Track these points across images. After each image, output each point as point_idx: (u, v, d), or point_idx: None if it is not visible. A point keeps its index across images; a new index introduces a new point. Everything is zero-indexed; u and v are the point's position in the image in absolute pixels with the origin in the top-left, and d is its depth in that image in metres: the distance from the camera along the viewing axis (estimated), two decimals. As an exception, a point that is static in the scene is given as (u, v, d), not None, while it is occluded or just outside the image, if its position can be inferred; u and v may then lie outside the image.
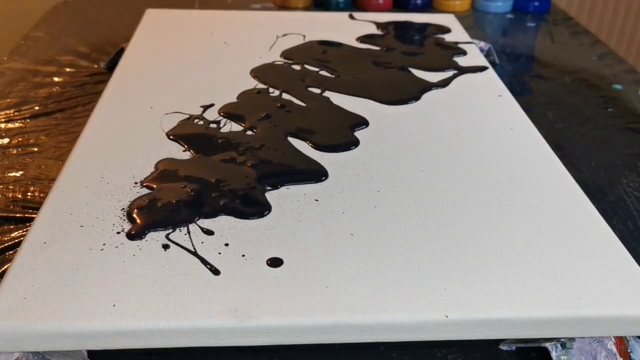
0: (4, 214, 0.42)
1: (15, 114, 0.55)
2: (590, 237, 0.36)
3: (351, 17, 0.73)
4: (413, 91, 0.54)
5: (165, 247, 0.34)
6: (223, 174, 0.40)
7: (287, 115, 0.49)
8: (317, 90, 0.53)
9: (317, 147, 0.44)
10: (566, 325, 0.31)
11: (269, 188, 0.39)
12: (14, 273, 0.31)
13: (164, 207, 0.37)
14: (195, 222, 0.36)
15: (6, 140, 0.51)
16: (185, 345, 0.30)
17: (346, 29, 0.68)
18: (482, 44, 0.68)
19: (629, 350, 0.33)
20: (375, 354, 0.32)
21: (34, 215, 0.41)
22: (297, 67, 0.57)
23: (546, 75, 0.68)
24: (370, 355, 0.32)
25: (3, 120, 0.54)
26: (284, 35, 0.65)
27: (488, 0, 0.88)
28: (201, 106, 0.49)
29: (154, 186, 0.39)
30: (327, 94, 0.53)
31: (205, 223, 0.36)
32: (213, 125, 0.46)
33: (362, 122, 0.48)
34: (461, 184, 0.41)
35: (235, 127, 0.47)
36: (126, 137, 0.44)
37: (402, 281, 0.32)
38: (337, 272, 0.32)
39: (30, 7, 0.86)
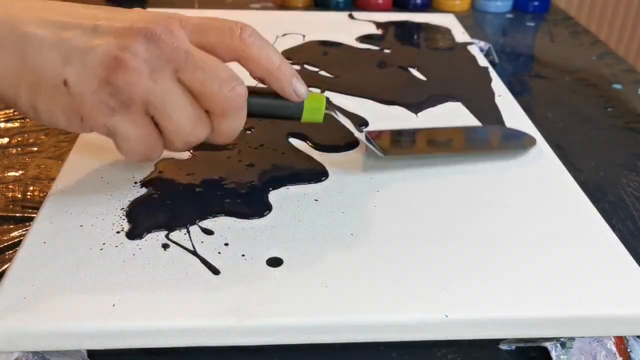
0: (4, 214, 0.42)
1: (15, 113, 0.55)
2: (590, 236, 0.36)
3: (351, 16, 0.73)
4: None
5: (165, 246, 0.34)
6: (223, 173, 0.40)
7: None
8: (316, 91, 0.53)
9: (317, 147, 0.44)
10: (566, 324, 0.31)
11: (270, 188, 0.39)
12: (13, 273, 0.31)
13: (164, 206, 0.37)
14: (195, 222, 0.36)
15: (6, 140, 0.51)
16: (185, 345, 0.30)
17: (346, 28, 0.68)
18: (482, 43, 0.68)
19: (628, 350, 0.33)
20: (375, 354, 0.32)
21: (33, 215, 0.41)
22: (296, 67, 0.58)
23: (546, 75, 0.68)
24: (370, 355, 0.32)
25: (3, 119, 0.54)
26: (284, 35, 0.65)
27: (488, 0, 0.88)
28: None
29: (154, 186, 0.39)
30: (326, 93, 0.53)
31: (205, 223, 0.36)
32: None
33: (362, 123, 0.48)
34: (461, 183, 0.41)
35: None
36: (126, 136, 0.44)
37: (402, 281, 0.32)
38: (337, 272, 0.32)
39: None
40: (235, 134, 0.34)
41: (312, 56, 0.60)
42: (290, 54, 0.60)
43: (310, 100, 0.36)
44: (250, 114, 0.34)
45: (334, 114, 0.38)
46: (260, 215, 0.37)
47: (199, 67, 0.31)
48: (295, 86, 0.34)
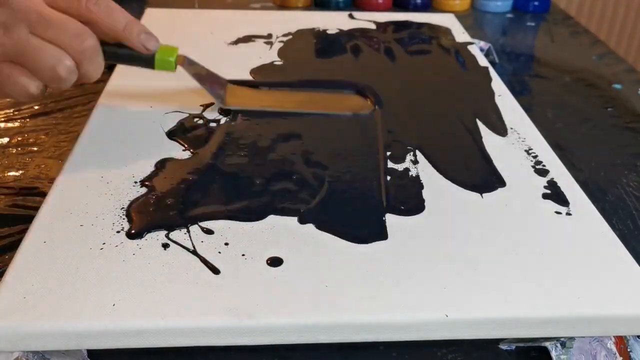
0: (4, 214, 0.42)
1: (15, 113, 0.55)
2: (590, 236, 0.36)
3: (351, 16, 0.73)
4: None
5: (165, 246, 0.34)
6: (223, 173, 0.40)
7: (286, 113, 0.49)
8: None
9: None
10: (566, 324, 0.31)
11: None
12: (14, 272, 0.31)
13: (164, 206, 0.37)
14: (195, 222, 0.36)
15: (6, 140, 0.51)
16: (185, 344, 0.30)
17: (346, 28, 0.68)
18: (482, 43, 0.68)
19: (628, 350, 0.33)
20: (375, 353, 0.32)
21: (33, 215, 0.41)
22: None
23: (546, 74, 0.68)
24: (370, 355, 0.32)
25: (3, 119, 0.54)
26: (284, 35, 0.65)
27: (488, 0, 0.88)
28: (201, 105, 0.49)
29: (154, 185, 0.39)
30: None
31: (205, 223, 0.36)
32: (213, 124, 0.46)
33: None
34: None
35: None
36: (126, 136, 0.44)
37: (402, 281, 0.32)
38: (337, 272, 0.32)
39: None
40: (97, 75, 0.40)
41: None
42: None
43: (162, 52, 0.42)
44: (110, 59, 0.41)
45: (183, 68, 0.45)
46: (261, 217, 0.36)
47: (49, 26, 0.36)
48: (143, 41, 0.41)
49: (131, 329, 0.29)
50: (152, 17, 0.68)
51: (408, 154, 0.44)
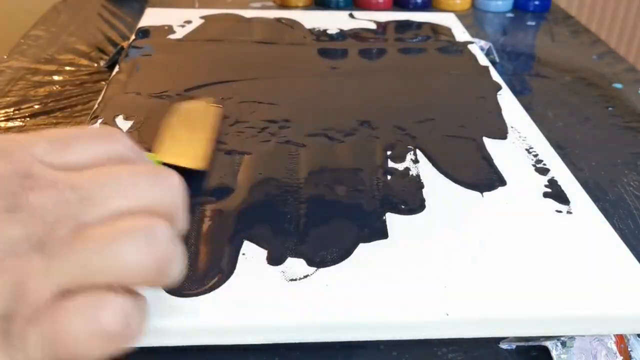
0: (4, 213, 0.42)
1: (15, 112, 0.55)
2: (591, 235, 0.36)
3: (351, 16, 0.73)
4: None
5: (165, 246, 0.33)
6: (223, 172, 0.40)
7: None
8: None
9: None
10: (566, 323, 0.31)
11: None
12: (13, 272, 0.31)
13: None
14: (195, 221, 0.35)
15: (6, 139, 0.51)
16: (185, 344, 0.30)
17: (346, 27, 0.68)
18: (483, 42, 0.68)
19: (629, 349, 0.33)
20: (375, 353, 0.32)
21: (33, 214, 0.41)
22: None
23: (546, 74, 0.68)
24: (370, 354, 0.32)
25: (3, 119, 0.54)
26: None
27: (488, -1, 0.88)
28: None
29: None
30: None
31: (205, 222, 0.36)
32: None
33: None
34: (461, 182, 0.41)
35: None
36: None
37: (402, 280, 0.32)
38: (337, 271, 0.32)
39: (29, 6, 0.86)
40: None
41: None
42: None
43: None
44: None
45: None
46: (261, 214, 0.36)
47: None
48: None
49: (131, 328, 0.29)
50: (152, 17, 0.68)
51: (408, 153, 0.44)
